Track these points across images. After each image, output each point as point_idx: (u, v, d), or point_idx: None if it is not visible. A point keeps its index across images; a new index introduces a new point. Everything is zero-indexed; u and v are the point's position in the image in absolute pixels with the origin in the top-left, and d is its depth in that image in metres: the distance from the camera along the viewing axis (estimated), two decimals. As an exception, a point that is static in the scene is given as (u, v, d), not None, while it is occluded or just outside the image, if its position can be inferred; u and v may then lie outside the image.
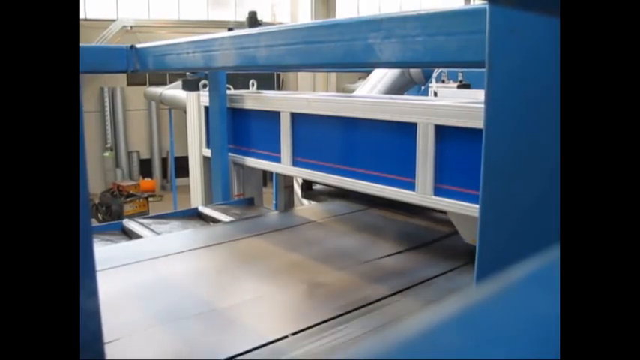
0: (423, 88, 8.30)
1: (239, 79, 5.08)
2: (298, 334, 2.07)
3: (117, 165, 15.72)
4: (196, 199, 4.97)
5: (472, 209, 2.62)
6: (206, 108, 4.66)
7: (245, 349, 1.95)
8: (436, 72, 8.05)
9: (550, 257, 0.41)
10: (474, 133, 2.54)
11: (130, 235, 3.72)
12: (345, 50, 2.24)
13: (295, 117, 3.78)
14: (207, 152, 4.71)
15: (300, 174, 3.96)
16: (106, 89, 15.15)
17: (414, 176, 2.96)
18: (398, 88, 7.65)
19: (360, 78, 13.39)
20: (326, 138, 3.59)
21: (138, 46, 4.10)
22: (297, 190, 4.73)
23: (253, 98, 4.32)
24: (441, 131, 2.81)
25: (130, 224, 3.81)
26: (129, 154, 15.97)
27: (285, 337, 2.05)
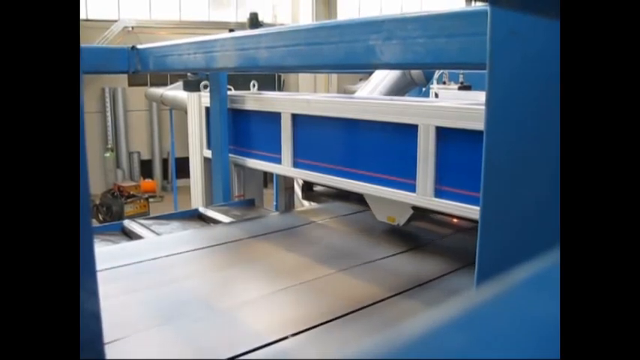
0: (424, 89, 8.30)
1: (240, 80, 5.09)
2: (298, 335, 2.07)
3: (118, 165, 15.72)
4: (197, 200, 4.97)
5: (473, 211, 2.62)
6: (207, 109, 4.66)
7: (245, 350, 1.95)
8: (437, 73, 8.06)
9: (550, 260, 0.41)
10: (475, 134, 2.54)
11: (130, 235, 3.72)
12: (346, 51, 2.25)
13: (296, 118, 3.78)
14: (208, 153, 4.71)
15: (300, 175, 3.96)
16: (107, 90, 15.16)
17: (414, 178, 2.96)
18: (399, 89, 7.66)
19: (361, 79, 13.40)
20: (327, 139, 3.59)
21: (139, 46, 4.10)
22: (298, 191, 4.73)
23: (254, 99, 4.32)
24: (442, 133, 2.81)
25: (130, 225, 3.81)
26: (130, 154, 15.97)
27: (285, 338, 2.05)
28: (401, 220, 3.31)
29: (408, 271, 2.79)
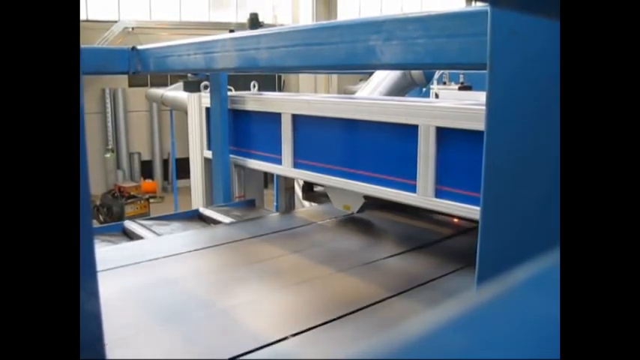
0: (424, 89, 8.30)
1: (240, 81, 5.08)
2: (298, 336, 2.07)
3: (118, 166, 15.72)
4: (197, 201, 4.97)
5: (473, 211, 2.61)
6: (207, 109, 4.66)
7: (245, 350, 1.95)
8: (437, 74, 8.06)
9: (550, 260, 0.41)
10: (476, 134, 2.54)
11: (130, 236, 3.72)
12: (346, 52, 2.25)
13: (296, 118, 3.78)
14: (209, 154, 4.71)
15: (301, 175, 3.96)
16: (107, 91, 15.16)
17: (415, 178, 2.95)
18: (399, 89, 7.65)
19: (361, 80, 13.39)
20: (327, 140, 3.59)
21: (139, 47, 4.11)
22: (298, 191, 4.73)
23: (254, 100, 4.32)
24: (443, 133, 2.81)
25: (130, 225, 3.82)
26: (130, 155, 15.97)
27: (286, 338, 2.05)
28: (355, 207, 3.64)
29: (408, 271, 2.79)
